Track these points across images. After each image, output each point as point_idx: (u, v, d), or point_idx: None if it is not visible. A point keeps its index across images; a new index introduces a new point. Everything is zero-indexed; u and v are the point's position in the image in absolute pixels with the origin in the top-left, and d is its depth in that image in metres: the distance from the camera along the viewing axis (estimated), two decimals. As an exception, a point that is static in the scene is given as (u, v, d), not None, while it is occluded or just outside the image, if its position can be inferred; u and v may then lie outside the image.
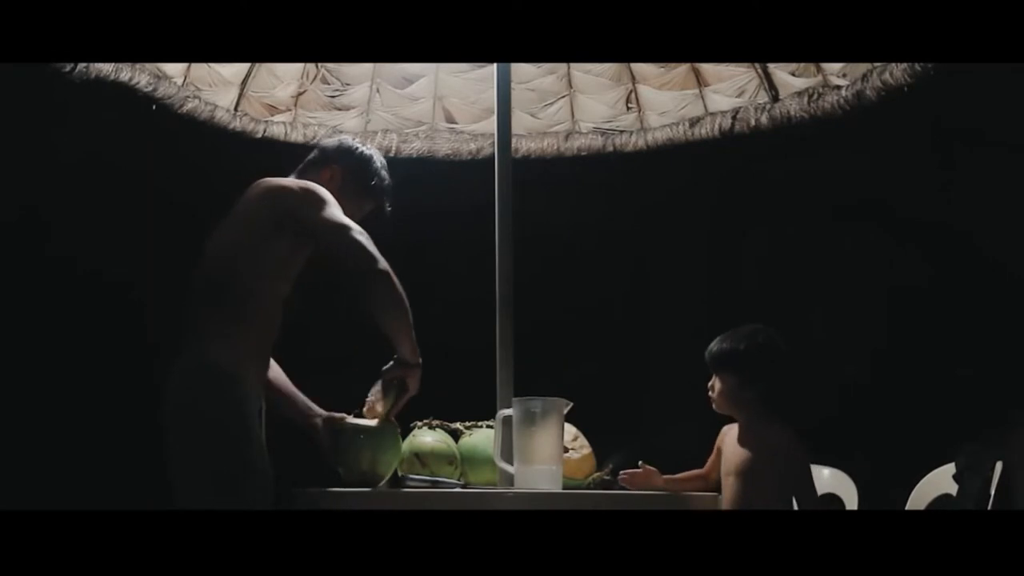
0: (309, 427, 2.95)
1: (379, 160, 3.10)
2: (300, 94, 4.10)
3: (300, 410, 2.97)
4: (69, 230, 4.14)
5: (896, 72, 3.33)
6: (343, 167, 3.02)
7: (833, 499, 3.25)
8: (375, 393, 2.89)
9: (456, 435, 3.14)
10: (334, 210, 2.80)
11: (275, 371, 2.98)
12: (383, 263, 2.76)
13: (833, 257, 4.21)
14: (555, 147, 4.22)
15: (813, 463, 2.86)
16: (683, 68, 3.96)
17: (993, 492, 2.78)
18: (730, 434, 2.95)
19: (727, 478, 2.88)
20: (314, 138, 4.08)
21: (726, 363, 2.90)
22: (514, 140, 3.84)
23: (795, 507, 2.83)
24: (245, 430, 2.66)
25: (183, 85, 3.78)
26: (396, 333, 2.79)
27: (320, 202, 2.80)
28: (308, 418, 2.95)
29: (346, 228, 2.77)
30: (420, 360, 2.82)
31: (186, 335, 2.74)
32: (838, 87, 3.61)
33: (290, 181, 2.90)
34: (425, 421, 3.12)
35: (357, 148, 3.09)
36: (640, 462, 2.94)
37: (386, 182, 3.08)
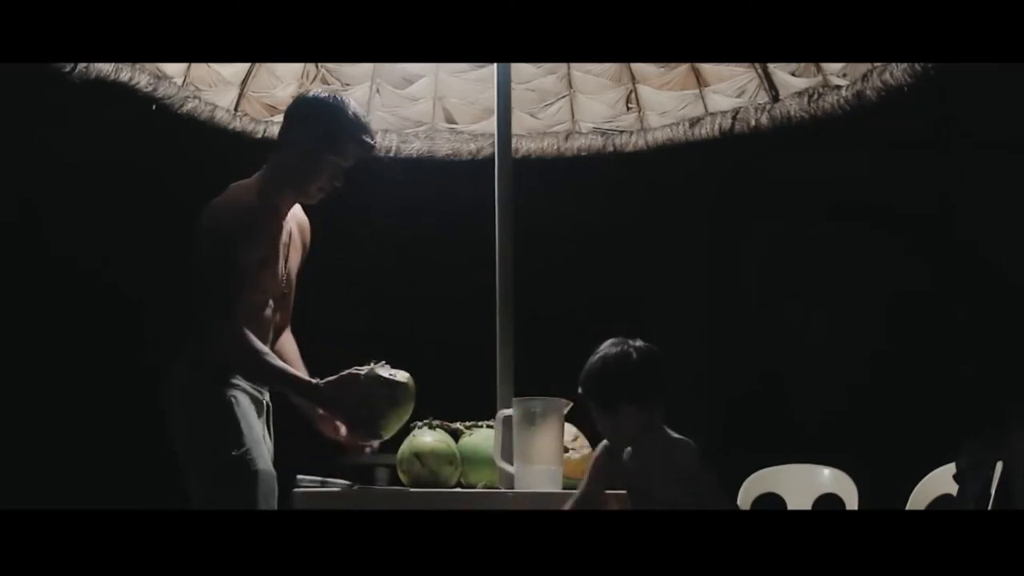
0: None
1: (331, 103, 2.84)
2: (300, 94, 4.09)
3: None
4: (69, 230, 4.15)
5: (896, 72, 3.32)
6: (300, 139, 2.81)
7: (833, 499, 3.25)
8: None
9: (456, 435, 3.13)
10: (208, 255, 2.70)
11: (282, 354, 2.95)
12: (205, 337, 2.69)
13: (833, 257, 4.21)
14: (555, 147, 4.21)
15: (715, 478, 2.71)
16: (683, 68, 3.96)
17: (993, 492, 2.78)
18: (622, 459, 2.69)
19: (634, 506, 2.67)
20: (314, 138, 4.07)
21: (616, 390, 2.61)
22: (514, 140, 3.83)
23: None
24: (242, 430, 2.66)
25: (183, 85, 3.78)
26: (269, 385, 2.77)
27: (203, 242, 2.72)
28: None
29: (200, 292, 2.69)
30: (313, 389, 2.74)
31: (186, 336, 2.74)
32: (838, 87, 3.60)
33: (208, 208, 2.78)
34: (425, 421, 3.12)
35: (303, 106, 2.89)
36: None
37: (352, 121, 2.82)
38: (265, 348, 2.74)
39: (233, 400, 2.69)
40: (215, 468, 2.65)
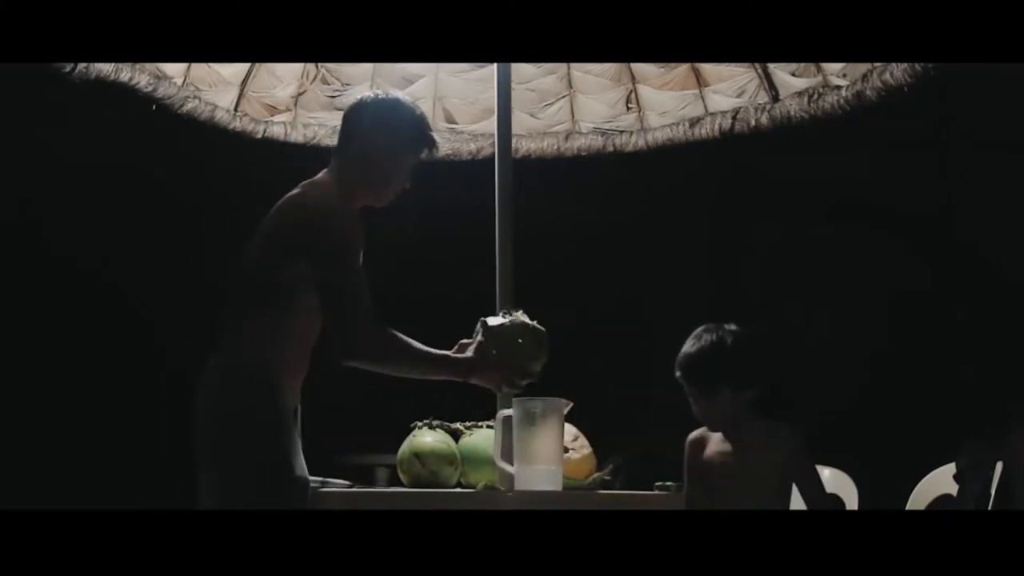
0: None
1: (403, 105, 2.86)
2: (300, 94, 4.10)
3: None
4: (69, 230, 4.15)
5: (896, 72, 3.32)
6: (379, 142, 2.79)
7: (833, 499, 3.25)
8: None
9: (456, 435, 3.14)
10: (332, 261, 2.63)
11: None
12: (356, 343, 2.61)
13: (833, 257, 4.21)
14: (555, 147, 4.21)
15: (816, 463, 2.80)
16: (683, 68, 3.96)
17: (993, 492, 2.78)
18: (712, 445, 2.76)
19: (726, 492, 2.72)
20: (314, 138, 4.07)
21: (713, 374, 2.67)
22: (514, 140, 3.83)
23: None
24: (280, 433, 2.62)
25: (183, 85, 3.78)
26: (424, 376, 2.73)
27: (319, 248, 2.63)
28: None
29: (338, 297, 2.62)
30: (470, 363, 2.74)
31: (222, 336, 2.69)
32: (838, 87, 3.60)
33: (301, 208, 2.70)
34: (425, 421, 3.12)
35: (374, 110, 2.84)
36: None
37: (424, 121, 2.88)
38: (410, 339, 2.69)
39: (284, 408, 2.65)
40: (262, 475, 2.57)
